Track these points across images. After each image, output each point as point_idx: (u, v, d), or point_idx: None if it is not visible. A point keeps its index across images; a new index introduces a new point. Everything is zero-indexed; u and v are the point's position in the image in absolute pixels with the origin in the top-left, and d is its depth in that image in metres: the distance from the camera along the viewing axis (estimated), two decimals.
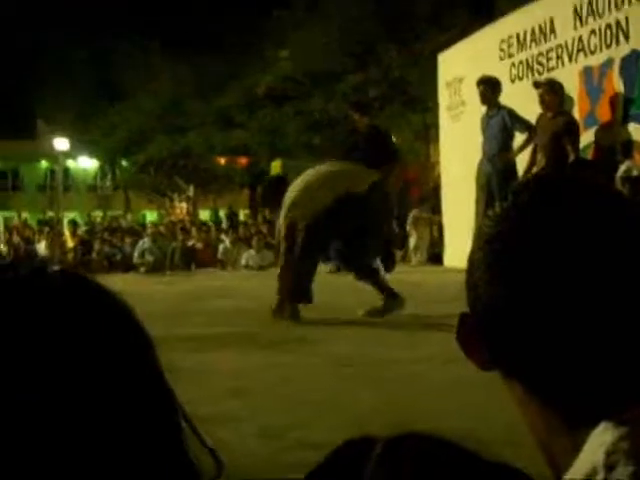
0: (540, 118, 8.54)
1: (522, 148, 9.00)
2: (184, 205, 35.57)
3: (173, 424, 0.68)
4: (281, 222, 6.70)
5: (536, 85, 8.65)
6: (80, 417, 0.61)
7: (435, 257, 13.59)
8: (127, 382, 0.64)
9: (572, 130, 8.29)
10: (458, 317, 0.76)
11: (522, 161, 8.89)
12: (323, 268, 8.41)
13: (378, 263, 6.79)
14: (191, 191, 35.21)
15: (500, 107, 9.15)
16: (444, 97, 12.84)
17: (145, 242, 17.45)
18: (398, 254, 12.81)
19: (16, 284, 0.66)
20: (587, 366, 0.68)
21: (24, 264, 0.69)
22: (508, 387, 0.75)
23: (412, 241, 14.61)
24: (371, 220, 6.55)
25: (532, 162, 8.67)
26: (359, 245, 6.61)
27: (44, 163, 43.55)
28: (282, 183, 6.99)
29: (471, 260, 0.75)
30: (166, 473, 0.65)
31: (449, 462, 0.63)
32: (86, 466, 0.61)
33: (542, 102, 8.43)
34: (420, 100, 21.43)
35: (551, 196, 0.72)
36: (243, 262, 17.06)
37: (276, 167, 16.97)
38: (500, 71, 10.13)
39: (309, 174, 6.69)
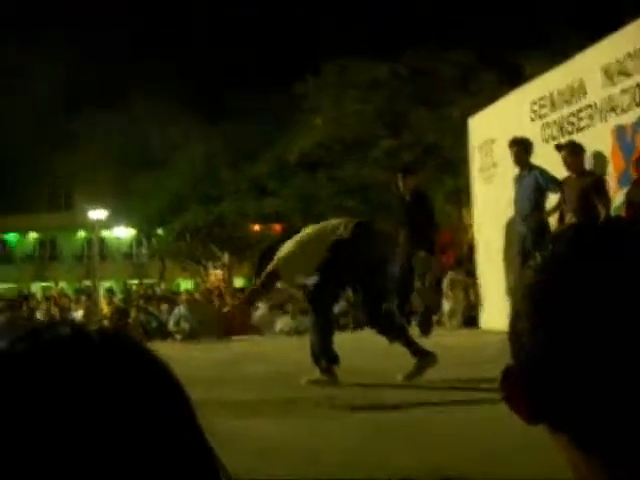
0: (566, 180, 8.66)
1: (555, 209, 9.03)
2: (219, 272, 35.74)
3: None
4: (269, 267, 6.65)
5: (558, 148, 8.82)
6: (122, 476, 0.61)
7: (471, 320, 13.45)
8: (170, 439, 0.64)
9: (600, 189, 8.36)
10: (501, 372, 0.75)
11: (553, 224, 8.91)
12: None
13: (403, 321, 6.79)
14: (226, 258, 35.43)
15: (532, 167, 9.20)
16: (476, 160, 12.86)
17: (181, 309, 17.51)
18: (434, 318, 12.70)
19: (57, 343, 0.66)
20: (633, 418, 0.66)
21: (63, 325, 0.69)
22: (551, 434, 0.72)
23: (447, 305, 14.47)
24: (368, 260, 6.54)
25: (560, 225, 8.70)
26: (374, 292, 6.59)
27: (81, 233, 44.17)
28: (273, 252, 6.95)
29: (513, 310, 0.74)
30: None
31: None
32: None
33: (565, 164, 8.58)
34: (453, 163, 21.52)
35: (588, 245, 0.71)
36: (278, 328, 17.04)
37: None
38: (532, 132, 10.17)
39: (294, 238, 6.74)
